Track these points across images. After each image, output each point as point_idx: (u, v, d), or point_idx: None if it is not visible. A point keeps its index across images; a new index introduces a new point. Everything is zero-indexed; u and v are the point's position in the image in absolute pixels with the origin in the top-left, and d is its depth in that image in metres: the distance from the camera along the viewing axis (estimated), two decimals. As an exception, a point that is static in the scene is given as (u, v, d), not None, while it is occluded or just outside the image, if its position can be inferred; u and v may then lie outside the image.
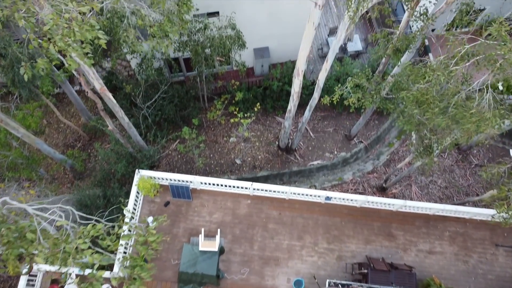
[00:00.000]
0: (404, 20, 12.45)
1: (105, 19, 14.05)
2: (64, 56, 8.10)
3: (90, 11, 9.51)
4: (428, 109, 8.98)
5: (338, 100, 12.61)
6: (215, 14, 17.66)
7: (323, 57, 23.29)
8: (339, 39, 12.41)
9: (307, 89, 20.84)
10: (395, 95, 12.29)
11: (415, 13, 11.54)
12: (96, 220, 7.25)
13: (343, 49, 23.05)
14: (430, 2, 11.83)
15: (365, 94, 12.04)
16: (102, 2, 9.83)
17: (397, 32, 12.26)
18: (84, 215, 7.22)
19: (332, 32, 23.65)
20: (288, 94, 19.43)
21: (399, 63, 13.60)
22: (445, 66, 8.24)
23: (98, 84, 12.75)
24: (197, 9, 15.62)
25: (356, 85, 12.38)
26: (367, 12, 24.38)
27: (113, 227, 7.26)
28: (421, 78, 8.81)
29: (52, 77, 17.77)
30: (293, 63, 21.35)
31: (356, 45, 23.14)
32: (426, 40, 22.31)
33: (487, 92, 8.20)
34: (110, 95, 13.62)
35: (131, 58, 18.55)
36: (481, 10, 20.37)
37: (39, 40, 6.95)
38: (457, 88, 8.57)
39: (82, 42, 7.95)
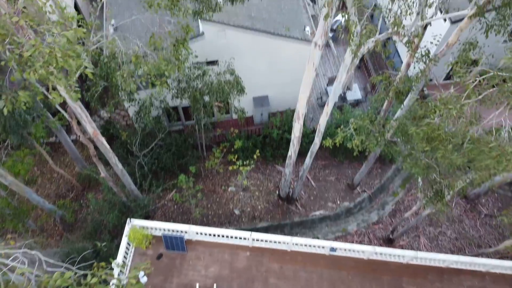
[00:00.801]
0: (405, 62, 12.26)
1: (103, 64, 13.96)
2: (48, 89, 7.61)
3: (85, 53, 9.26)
4: (440, 146, 8.39)
5: (340, 142, 12.08)
6: (214, 62, 17.70)
7: (323, 106, 23.13)
8: (339, 81, 12.14)
9: (307, 137, 20.44)
10: (399, 137, 11.79)
11: (417, 55, 11.34)
12: (66, 268, 6.36)
13: (342, 98, 23.01)
14: (431, 43, 11.71)
15: (369, 136, 11.55)
16: (99, 40, 9.61)
17: (398, 73, 12.01)
18: (52, 261, 6.33)
19: (331, 81, 23.74)
20: (288, 142, 19.01)
21: (402, 106, 13.26)
22: (456, 99, 7.78)
23: (91, 127, 12.29)
24: (196, 56, 15.61)
25: (359, 128, 11.93)
26: (365, 61, 24.65)
27: (85, 276, 6.30)
28: (431, 112, 8.33)
29: (47, 125, 17.37)
30: (293, 111, 21.11)
31: (355, 93, 23.13)
32: (425, 89, 22.30)
33: (505, 126, 7.66)
34: (103, 139, 13.11)
35: (129, 106, 18.32)
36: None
37: (23, 74, 6.50)
38: (470, 124, 8.02)
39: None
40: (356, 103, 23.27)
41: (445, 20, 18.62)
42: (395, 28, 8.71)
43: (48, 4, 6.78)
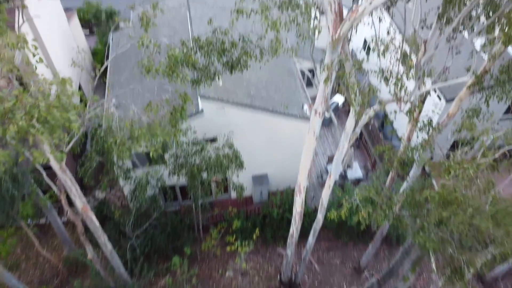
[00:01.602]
0: (407, 133, 12.05)
1: (100, 138, 13.70)
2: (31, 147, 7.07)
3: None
4: (459, 210, 7.67)
5: (346, 215, 11.32)
6: (213, 140, 17.58)
7: (323, 184, 22.63)
8: (341, 152, 11.78)
9: (309, 216, 19.53)
10: (409, 210, 11.07)
11: (419, 124, 11.15)
12: None
13: (343, 176, 22.59)
14: (433, 111, 11.60)
15: (376, 207, 10.87)
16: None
17: (401, 143, 11.73)
18: None
19: (331, 159, 23.54)
20: (289, 222, 18.17)
21: (407, 178, 12.75)
22: (472, 158, 7.30)
23: (80, 202, 11.59)
24: (195, 132, 15.49)
25: (365, 199, 11.29)
26: (363, 141, 24.71)
27: None
28: (445, 173, 7.79)
29: (37, 204, 16.60)
30: (293, 190, 20.57)
31: (356, 172, 22.76)
32: (426, 166, 21.96)
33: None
34: (93, 215, 12.32)
35: (125, 185, 17.77)
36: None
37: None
38: (488, 185, 7.46)
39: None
40: (357, 182, 22.77)
41: (440, 98, 18.94)
42: (398, 91, 8.57)
43: (38, 57, 6.62)
